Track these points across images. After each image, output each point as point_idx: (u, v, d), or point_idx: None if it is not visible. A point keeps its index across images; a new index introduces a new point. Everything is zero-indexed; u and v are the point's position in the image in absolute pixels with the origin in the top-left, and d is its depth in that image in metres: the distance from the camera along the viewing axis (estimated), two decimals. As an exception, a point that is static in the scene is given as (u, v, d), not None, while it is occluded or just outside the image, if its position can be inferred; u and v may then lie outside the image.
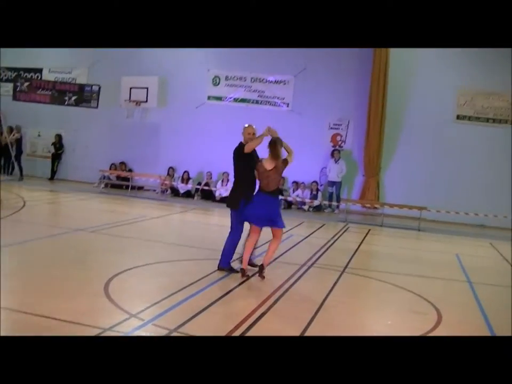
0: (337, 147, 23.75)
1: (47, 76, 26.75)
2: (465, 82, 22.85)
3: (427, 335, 7.94)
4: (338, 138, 23.98)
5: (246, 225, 10.79)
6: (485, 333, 8.34)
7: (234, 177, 11.18)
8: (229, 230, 10.92)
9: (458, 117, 23.08)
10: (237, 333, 7.19)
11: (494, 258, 15.91)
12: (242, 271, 10.39)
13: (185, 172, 24.53)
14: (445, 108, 22.98)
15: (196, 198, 24.21)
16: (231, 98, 25.04)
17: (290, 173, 21.13)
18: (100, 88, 25.56)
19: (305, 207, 22.84)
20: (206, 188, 24.08)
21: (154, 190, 25.17)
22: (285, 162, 10.46)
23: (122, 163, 25.78)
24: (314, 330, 7.69)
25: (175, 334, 6.99)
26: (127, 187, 24.42)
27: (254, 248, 10.97)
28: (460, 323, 8.80)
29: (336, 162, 23.08)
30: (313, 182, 23.15)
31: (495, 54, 21.69)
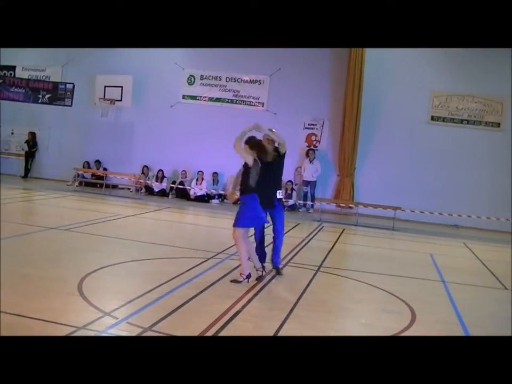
0: (312, 147, 23.81)
1: (20, 73, 26.46)
2: (440, 83, 23.00)
3: (401, 334, 7.98)
4: (313, 138, 24.04)
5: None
6: (459, 331, 8.39)
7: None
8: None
9: (432, 118, 23.23)
10: (211, 332, 7.17)
11: (467, 258, 16.01)
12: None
13: (159, 170, 24.46)
14: (420, 109, 23.14)
15: (170, 196, 24.17)
16: (206, 97, 25.00)
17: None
18: (74, 87, 25.30)
19: (280, 207, 22.83)
20: (180, 186, 24.03)
21: (129, 189, 25.10)
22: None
23: (97, 161, 25.68)
24: (289, 329, 7.70)
25: (149, 332, 6.96)
26: (101, 185, 24.33)
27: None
28: (434, 322, 8.83)
29: (311, 162, 23.12)
30: (288, 181, 23.16)
31: (469, 55, 21.85)
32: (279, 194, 11.02)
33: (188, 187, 23.96)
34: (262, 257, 10.81)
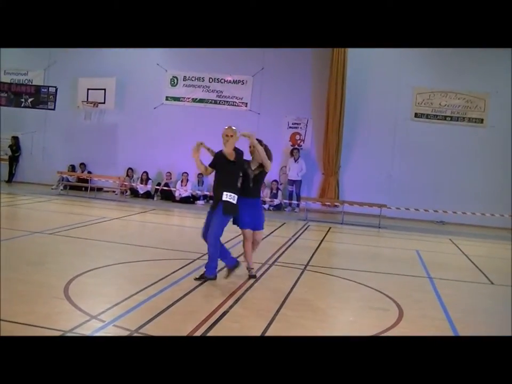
0: (296, 146, 23.80)
1: (2, 77, 26.28)
2: (423, 80, 23.06)
3: (389, 330, 7.98)
4: (297, 137, 24.04)
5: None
6: (446, 327, 8.40)
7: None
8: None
9: (416, 115, 23.28)
10: (198, 332, 7.16)
11: (453, 254, 16.03)
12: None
13: (144, 172, 24.40)
14: (403, 107, 23.18)
15: (155, 198, 24.11)
16: (189, 98, 24.96)
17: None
18: (56, 90, 25.23)
19: (266, 206, 22.80)
20: (165, 188, 23.98)
21: (114, 191, 24.99)
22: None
23: (82, 164, 25.57)
24: (276, 328, 7.69)
25: (136, 335, 6.94)
26: (86, 189, 24.22)
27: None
28: (420, 318, 8.84)
29: (295, 161, 23.11)
30: (273, 181, 23.16)
31: (451, 52, 21.89)
32: (226, 196, 10.06)
33: (172, 189, 23.92)
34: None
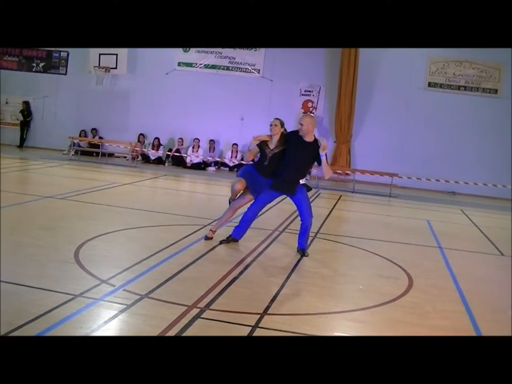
0: (308, 113, 23.71)
1: (14, 41, 26.26)
2: (437, 49, 22.80)
3: (399, 299, 7.99)
4: (309, 104, 23.96)
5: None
6: (455, 297, 8.41)
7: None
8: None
9: (429, 85, 23.15)
10: (209, 298, 7.18)
11: (464, 224, 16.01)
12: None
13: (155, 138, 24.38)
14: (417, 76, 23.05)
15: (166, 164, 24.12)
16: (201, 64, 24.85)
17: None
18: (68, 55, 25.21)
19: (277, 174, 22.74)
20: (177, 154, 23.97)
21: (125, 157, 25.00)
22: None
23: (93, 129, 25.56)
24: (286, 294, 7.72)
25: (146, 299, 6.96)
26: (97, 154, 24.23)
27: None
28: (430, 287, 8.84)
29: (307, 129, 23.02)
30: (285, 148, 23.08)
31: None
32: (303, 181, 10.56)
33: (184, 155, 23.91)
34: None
